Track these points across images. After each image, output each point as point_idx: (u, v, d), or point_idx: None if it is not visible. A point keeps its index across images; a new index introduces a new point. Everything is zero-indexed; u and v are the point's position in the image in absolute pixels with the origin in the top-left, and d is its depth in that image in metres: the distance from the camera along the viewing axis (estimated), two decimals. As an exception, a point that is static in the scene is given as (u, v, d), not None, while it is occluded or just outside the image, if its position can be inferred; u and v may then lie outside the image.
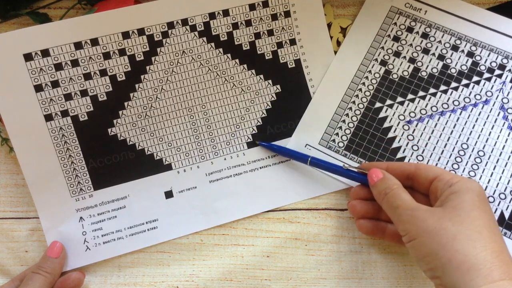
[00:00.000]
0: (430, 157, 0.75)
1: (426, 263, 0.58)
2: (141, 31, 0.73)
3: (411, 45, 0.78)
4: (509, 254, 0.56)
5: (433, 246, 0.57)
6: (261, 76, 0.77)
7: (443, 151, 0.75)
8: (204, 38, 0.75)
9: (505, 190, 0.73)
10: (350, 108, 0.77)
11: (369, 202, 0.72)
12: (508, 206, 0.73)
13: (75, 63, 0.72)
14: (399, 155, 0.75)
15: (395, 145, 0.76)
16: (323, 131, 0.77)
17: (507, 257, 0.55)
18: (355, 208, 0.72)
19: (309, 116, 0.78)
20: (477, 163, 0.74)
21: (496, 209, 0.73)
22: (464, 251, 0.54)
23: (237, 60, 0.76)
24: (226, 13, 0.75)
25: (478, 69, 0.76)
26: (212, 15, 0.75)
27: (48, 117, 0.73)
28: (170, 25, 0.74)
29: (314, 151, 0.77)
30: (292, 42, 0.78)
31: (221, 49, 0.76)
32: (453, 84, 0.76)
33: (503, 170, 0.74)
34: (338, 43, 0.79)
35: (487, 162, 0.74)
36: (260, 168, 0.77)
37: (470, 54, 0.77)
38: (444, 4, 0.78)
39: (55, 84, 0.72)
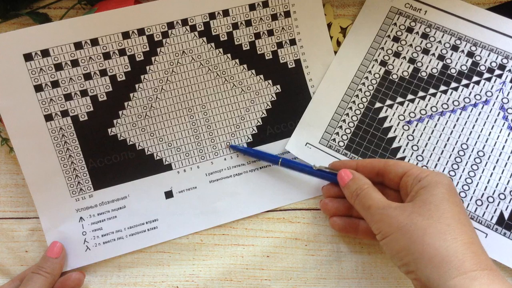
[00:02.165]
0: (430, 157, 0.75)
1: (400, 259, 0.59)
2: (141, 31, 0.73)
3: (411, 45, 0.78)
4: (480, 245, 0.57)
5: (405, 242, 0.57)
6: (261, 76, 0.77)
7: (443, 151, 0.75)
8: (204, 38, 0.75)
9: (504, 190, 0.73)
10: (350, 108, 0.77)
11: (341, 200, 0.73)
12: (507, 206, 0.73)
13: (75, 63, 0.72)
14: (399, 155, 0.75)
15: (395, 145, 0.76)
16: (323, 130, 0.77)
17: (478, 248, 0.56)
18: (326, 206, 0.73)
19: (310, 115, 0.78)
20: (477, 163, 0.74)
21: (496, 209, 0.73)
22: (435, 244, 0.55)
23: (237, 60, 0.76)
24: (226, 13, 0.75)
25: (478, 69, 0.76)
26: (212, 15, 0.75)
27: (48, 117, 0.73)
28: (170, 25, 0.74)
29: (315, 150, 0.77)
30: (292, 42, 0.78)
31: (221, 49, 0.76)
32: (453, 84, 0.76)
33: (503, 170, 0.74)
34: (338, 43, 0.80)
35: (486, 162, 0.74)
36: (260, 168, 0.77)
37: (470, 54, 0.77)
38: (444, 4, 0.78)
39: (55, 84, 0.72)
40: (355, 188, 0.66)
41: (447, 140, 0.75)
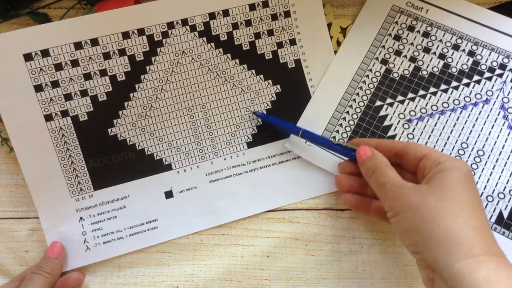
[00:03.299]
0: (430, 156, 0.75)
1: (408, 238, 0.59)
2: (141, 31, 0.73)
3: (412, 44, 0.78)
4: (491, 232, 0.57)
5: (416, 221, 0.57)
6: (261, 76, 0.77)
7: (443, 150, 0.75)
8: (204, 38, 0.75)
9: (504, 190, 0.73)
10: (351, 106, 0.77)
11: (356, 177, 0.73)
12: (507, 205, 0.73)
13: (75, 63, 0.72)
14: (399, 154, 0.75)
15: (395, 144, 0.76)
16: (324, 128, 0.77)
17: (488, 234, 0.56)
18: (341, 182, 0.73)
19: (310, 113, 0.78)
20: (477, 162, 0.74)
21: (495, 208, 0.73)
22: (446, 226, 0.55)
23: (237, 60, 0.76)
24: (226, 13, 0.75)
25: (479, 68, 0.76)
26: (212, 15, 0.75)
27: (48, 117, 0.73)
28: (170, 25, 0.74)
29: (314, 147, 0.77)
30: (292, 42, 0.78)
31: (221, 49, 0.76)
32: (454, 83, 0.76)
33: (503, 169, 0.74)
34: (338, 43, 0.79)
35: (486, 162, 0.74)
36: (260, 168, 0.77)
37: (471, 54, 0.77)
38: (446, 3, 0.78)
39: (55, 84, 0.72)
40: (372, 165, 0.66)
41: (447, 139, 0.75)
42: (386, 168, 0.65)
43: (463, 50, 0.77)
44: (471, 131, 0.75)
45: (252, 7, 0.75)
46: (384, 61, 0.78)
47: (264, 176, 0.77)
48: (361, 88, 0.78)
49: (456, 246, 0.54)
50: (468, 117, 0.75)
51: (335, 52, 0.79)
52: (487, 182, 0.74)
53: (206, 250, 0.76)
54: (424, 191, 0.59)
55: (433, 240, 0.55)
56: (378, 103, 0.77)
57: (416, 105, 0.76)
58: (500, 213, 0.72)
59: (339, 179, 0.73)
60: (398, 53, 0.78)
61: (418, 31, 0.78)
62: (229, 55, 0.76)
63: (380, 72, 0.78)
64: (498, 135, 0.74)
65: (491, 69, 0.76)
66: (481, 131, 0.75)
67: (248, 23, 0.76)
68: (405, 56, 0.78)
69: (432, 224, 0.56)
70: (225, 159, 0.77)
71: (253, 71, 0.77)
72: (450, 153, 0.75)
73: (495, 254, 0.54)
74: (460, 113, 0.76)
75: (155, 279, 0.75)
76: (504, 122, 0.75)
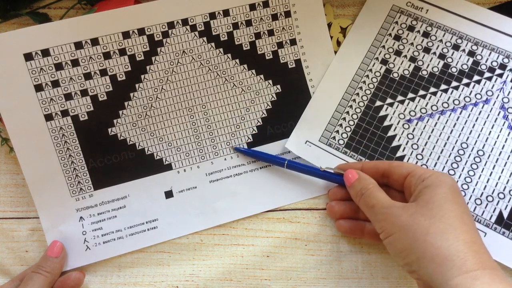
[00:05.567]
0: (430, 156, 0.75)
1: (402, 258, 0.59)
2: (141, 31, 0.73)
3: (412, 44, 0.78)
4: (483, 244, 0.57)
5: (408, 241, 0.58)
6: (261, 76, 0.77)
7: (442, 150, 0.75)
8: (205, 38, 0.75)
9: (504, 190, 0.73)
10: (351, 106, 0.77)
11: (347, 202, 0.74)
12: (507, 205, 0.73)
13: (75, 63, 0.72)
14: (399, 153, 0.75)
15: (395, 143, 0.76)
16: (323, 128, 0.77)
17: (480, 247, 0.56)
18: (333, 209, 0.74)
19: (310, 113, 0.78)
20: (477, 162, 0.74)
21: (495, 208, 0.73)
22: (437, 243, 0.55)
23: (237, 60, 0.76)
24: (226, 13, 0.75)
25: (479, 68, 0.76)
26: (212, 15, 0.75)
27: (48, 117, 0.73)
28: (171, 25, 0.74)
29: (315, 148, 0.77)
30: (293, 42, 0.78)
31: (221, 49, 0.76)
32: (454, 83, 0.76)
33: (503, 169, 0.74)
34: (338, 43, 0.79)
35: (486, 162, 0.74)
36: (260, 168, 0.77)
37: (471, 54, 0.77)
38: (446, 3, 0.78)
39: (55, 84, 0.72)
40: (360, 187, 0.67)
41: (447, 139, 0.75)
42: (374, 189, 0.65)
43: (463, 50, 0.77)
44: (471, 131, 0.75)
45: (252, 7, 0.75)
46: (384, 61, 0.78)
47: (264, 176, 0.77)
48: (361, 88, 0.78)
49: (449, 262, 0.54)
50: (468, 117, 0.75)
51: (335, 52, 0.79)
52: (487, 182, 0.74)
53: (206, 250, 0.76)
54: (412, 210, 0.59)
55: (426, 258, 0.56)
56: (378, 103, 0.77)
57: (416, 105, 0.76)
58: (500, 213, 0.72)
59: (331, 206, 0.74)
60: (398, 53, 0.78)
61: (418, 31, 0.78)
62: (229, 55, 0.76)
63: (380, 72, 0.78)
64: (498, 135, 0.75)
65: (491, 69, 0.76)
66: (481, 131, 0.75)
67: (249, 23, 0.76)
68: (405, 56, 0.78)
69: (424, 242, 0.56)
70: (225, 159, 0.77)
71: (253, 71, 0.77)
72: (450, 153, 0.75)
73: (489, 268, 0.54)
74: (460, 113, 0.76)
75: (155, 279, 0.75)
76: (504, 122, 0.75)
